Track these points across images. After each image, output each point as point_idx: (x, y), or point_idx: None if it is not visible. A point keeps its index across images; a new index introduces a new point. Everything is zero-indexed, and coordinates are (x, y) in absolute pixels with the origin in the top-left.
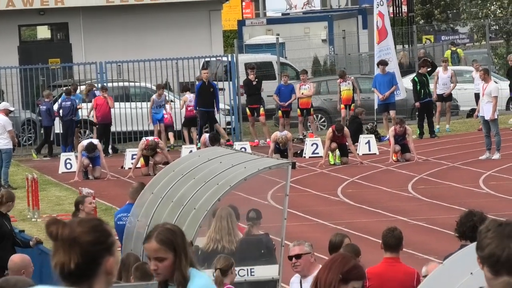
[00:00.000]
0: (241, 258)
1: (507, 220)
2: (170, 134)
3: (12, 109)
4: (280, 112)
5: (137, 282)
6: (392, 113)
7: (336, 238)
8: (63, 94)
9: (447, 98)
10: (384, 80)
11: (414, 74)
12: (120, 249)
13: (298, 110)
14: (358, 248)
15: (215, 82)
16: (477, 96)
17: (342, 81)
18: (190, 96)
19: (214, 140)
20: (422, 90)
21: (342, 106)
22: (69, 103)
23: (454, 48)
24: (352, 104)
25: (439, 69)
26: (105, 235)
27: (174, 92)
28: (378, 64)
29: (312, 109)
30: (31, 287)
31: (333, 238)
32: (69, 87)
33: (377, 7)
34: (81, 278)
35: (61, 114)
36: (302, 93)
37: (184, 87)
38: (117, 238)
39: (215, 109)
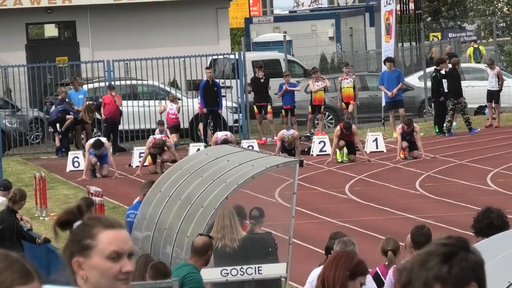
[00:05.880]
0: (244, 256)
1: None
2: (173, 136)
3: None
4: (283, 111)
5: (150, 281)
6: (401, 110)
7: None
8: (58, 98)
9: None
10: (391, 77)
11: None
12: None
13: (309, 107)
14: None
15: (218, 81)
16: (489, 93)
17: (344, 78)
18: None
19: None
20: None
21: (343, 105)
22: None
23: (476, 46)
24: (352, 102)
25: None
26: (83, 235)
27: (182, 90)
28: (385, 62)
29: (323, 107)
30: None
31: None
32: (65, 90)
33: (385, 6)
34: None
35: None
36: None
37: (194, 85)
38: None
39: (219, 108)
